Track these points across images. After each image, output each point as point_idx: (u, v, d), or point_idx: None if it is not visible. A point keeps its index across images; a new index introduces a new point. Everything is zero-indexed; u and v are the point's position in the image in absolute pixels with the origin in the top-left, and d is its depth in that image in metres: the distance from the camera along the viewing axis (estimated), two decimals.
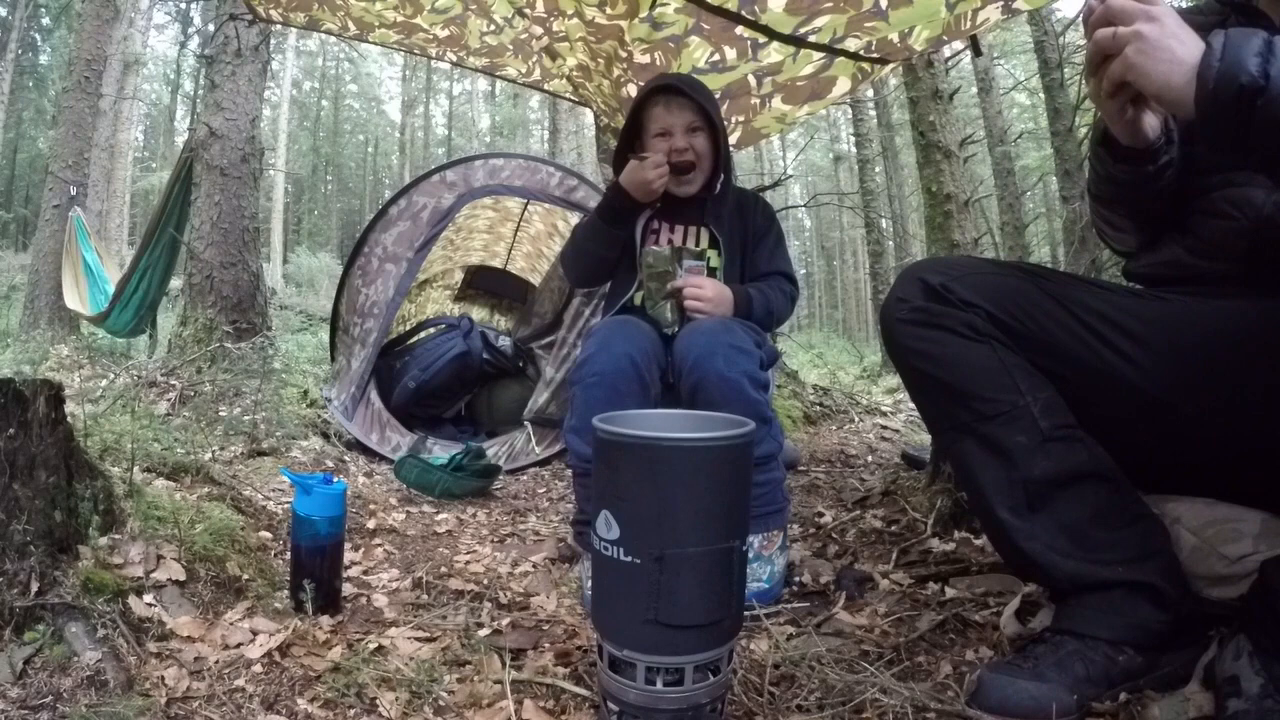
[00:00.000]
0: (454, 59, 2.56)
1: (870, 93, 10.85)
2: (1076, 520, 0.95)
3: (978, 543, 1.51)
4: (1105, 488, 0.97)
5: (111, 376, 3.49)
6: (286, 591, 1.27)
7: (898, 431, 3.77)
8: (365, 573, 1.54)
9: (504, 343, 3.87)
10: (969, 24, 1.98)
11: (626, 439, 0.79)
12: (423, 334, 4.10)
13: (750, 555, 1.32)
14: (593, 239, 1.72)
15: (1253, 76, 0.70)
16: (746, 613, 1.07)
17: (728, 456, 0.80)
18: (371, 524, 1.91)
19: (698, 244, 1.71)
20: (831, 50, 2.18)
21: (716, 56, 2.27)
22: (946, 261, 1.11)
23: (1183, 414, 0.94)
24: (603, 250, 1.72)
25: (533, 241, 4.29)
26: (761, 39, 2.17)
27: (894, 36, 2.09)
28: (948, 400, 1.02)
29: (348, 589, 1.37)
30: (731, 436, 0.80)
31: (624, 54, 2.30)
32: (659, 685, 0.79)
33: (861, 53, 2.19)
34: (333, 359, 3.30)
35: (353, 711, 0.93)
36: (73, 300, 5.30)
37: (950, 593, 1.29)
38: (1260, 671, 0.76)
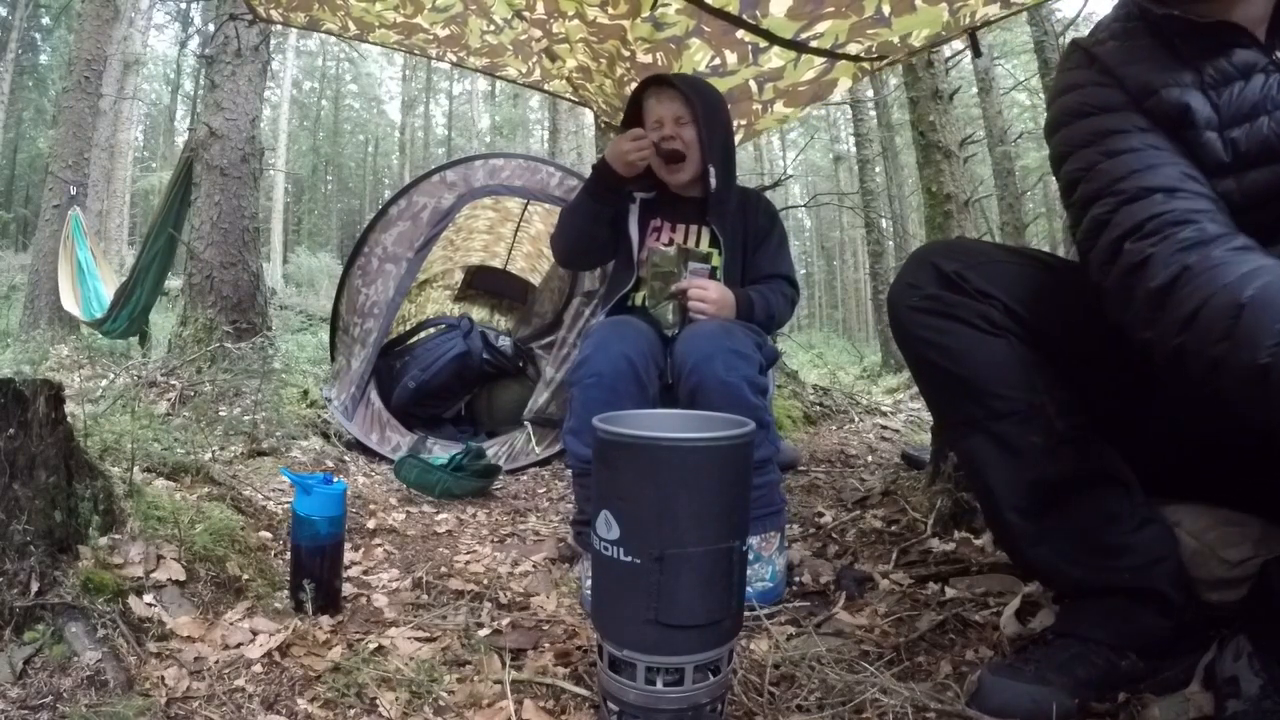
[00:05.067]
0: (454, 59, 2.56)
1: (870, 93, 10.85)
2: (1087, 524, 0.94)
3: (978, 543, 1.51)
4: (1117, 491, 0.95)
5: (111, 376, 3.48)
6: (286, 591, 1.27)
7: (898, 432, 3.77)
8: (365, 573, 1.54)
9: (504, 343, 3.86)
10: (968, 20, 1.99)
11: (626, 439, 0.79)
12: (423, 334, 4.10)
13: (750, 556, 1.32)
14: (576, 213, 1.74)
15: None
16: (747, 613, 1.07)
17: (728, 456, 0.80)
18: (371, 524, 1.91)
19: (699, 243, 1.71)
20: (833, 55, 2.18)
21: (717, 60, 2.27)
22: (960, 247, 1.05)
23: (1197, 415, 0.93)
24: (585, 225, 1.73)
25: (533, 241, 4.28)
26: (762, 43, 2.17)
27: (895, 39, 2.10)
28: (959, 394, 0.98)
29: (348, 589, 1.37)
30: (732, 436, 0.80)
31: (627, 53, 2.31)
32: (659, 685, 0.78)
33: (862, 55, 2.19)
34: (333, 359, 3.30)
35: (353, 711, 0.93)
36: (68, 301, 5.30)
37: (950, 593, 1.29)
38: (1260, 672, 0.76)
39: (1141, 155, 0.86)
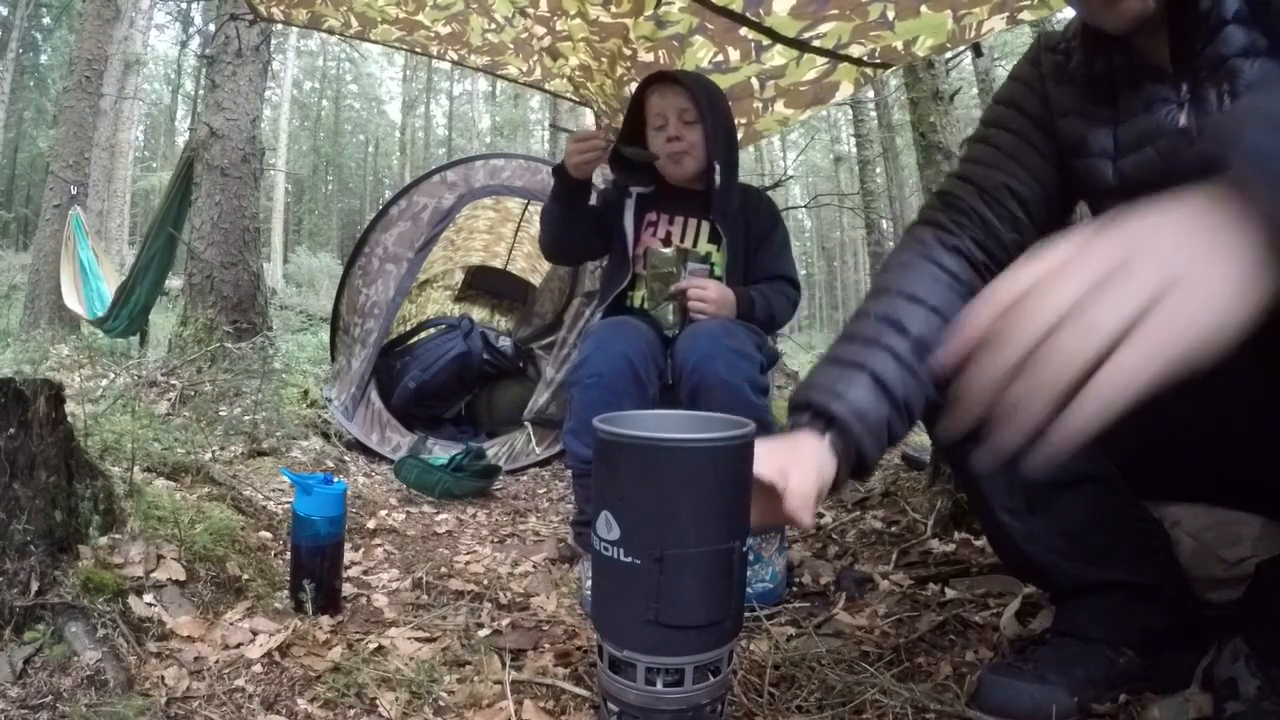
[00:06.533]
0: (455, 57, 2.57)
1: (871, 94, 10.85)
2: (1077, 523, 0.95)
3: (978, 544, 1.51)
4: (1105, 490, 0.96)
5: (111, 376, 3.49)
6: (286, 591, 1.27)
7: None
8: (365, 573, 1.54)
9: (504, 343, 3.87)
10: (973, 32, 1.99)
11: (627, 439, 0.79)
12: (423, 334, 4.10)
13: (750, 557, 1.32)
14: (548, 216, 1.74)
15: None
16: (747, 613, 1.07)
17: (729, 457, 0.80)
18: (371, 524, 1.91)
19: (697, 237, 1.71)
20: (835, 55, 2.18)
21: (720, 57, 2.27)
22: None
23: (1181, 418, 0.94)
24: (558, 228, 1.73)
25: (533, 242, 4.28)
26: (765, 41, 2.17)
27: (898, 44, 2.10)
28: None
29: (348, 589, 1.37)
30: (732, 437, 0.80)
31: (628, 52, 2.31)
32: (659, 686, 0.78)
33: (865, 58, 2.19)
34: (333, 359, 3.31)
35: (353, 711, 0.93)
36: (71, 300, 5.31)
37: (950, 594, 1.29)
38: (1257, 673, 0.76)
39: (996, 154, 0.96)
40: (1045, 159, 0.94)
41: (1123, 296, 0.43)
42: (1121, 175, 0.87)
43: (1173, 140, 0.83)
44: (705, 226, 1.70)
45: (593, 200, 1.74)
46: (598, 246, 1.78)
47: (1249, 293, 0.42)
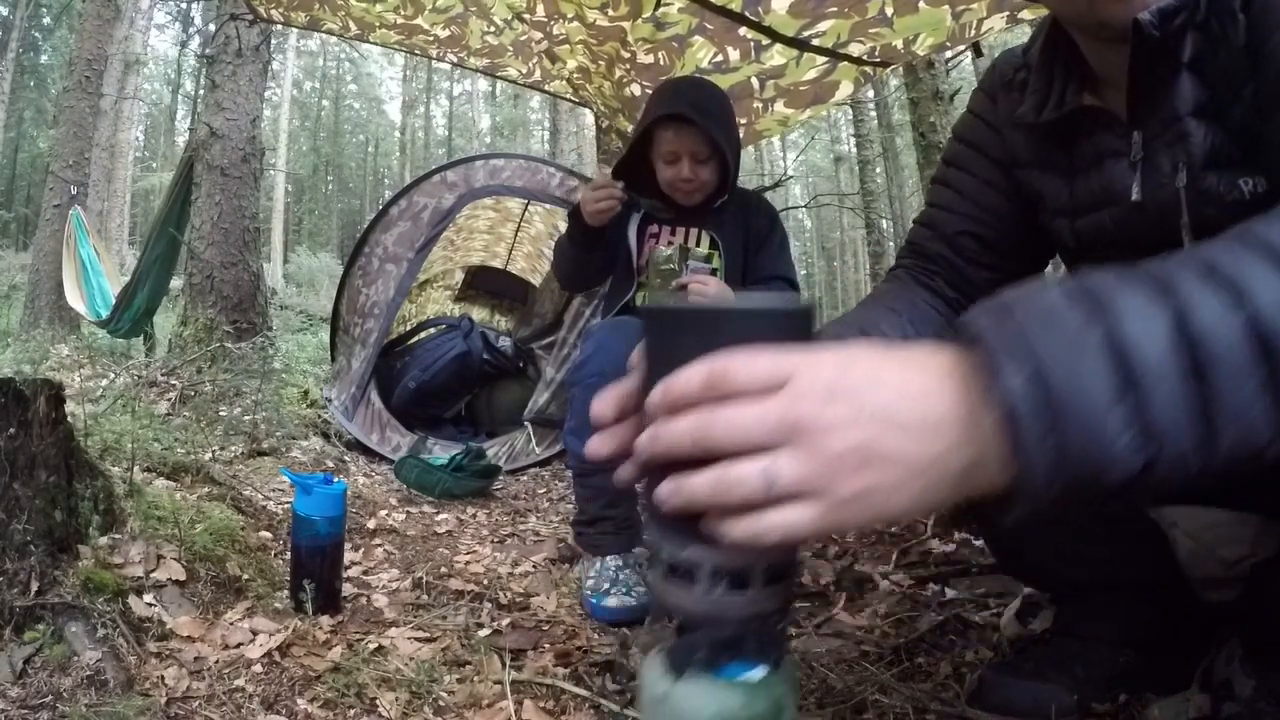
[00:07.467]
0: (454, 59, 2.57)
1: (871, 94, 10.87)
2: (1078, 525, 0.95)
3: (978, 544, 1.51)
4: None
5: (111, 376, 3.48)
6: (286, 591, 1.27)
7: None
8: (365, 573, 1.54)
9: (504, 343, 3.87)
10: (973, 31, 1.99)
11: (688, 310, 0.74)
12: (423, 334, 4.10)
13: None
14: (564, 255, 1.76)
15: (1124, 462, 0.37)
16: None
17: (792, 324, 0.75)
18: (371, 524, 1.91)
19: (698, 245, 1.71)
20: (834, 55, 2.18)
21: (719, 57, 2.27)
22: None
23: None
24: (573, 269, 1.77)
25: (533, 242, 4.29)
26: (765, 40, 2.17)
27: (898, 42, 2.10)
28: None
29: (348, 589, 1.37)
30: (795, 306, 0.76)
31: (626, 54, 2.31)
32: (723, 591, 0.73)
33: (864, 57, 2.19)
34: (333, 359, 3.31)
35: (353, 711, 0.93)
36: (73, 297, 5.32)
37: (950, 593, 1.29)
38: (1252, 674, 0.76)
39: (957, 198, 0.93)
40: (1010, 200, 0.90)
41: (800, 473, 0.38)
42: (1078, 236, 0.84)
43: (1126, 212, 0.77)
44: (706, 237, 1.71)
45: None
46: (609, 271, 1.79)
47: (940, 493, 0.40)
